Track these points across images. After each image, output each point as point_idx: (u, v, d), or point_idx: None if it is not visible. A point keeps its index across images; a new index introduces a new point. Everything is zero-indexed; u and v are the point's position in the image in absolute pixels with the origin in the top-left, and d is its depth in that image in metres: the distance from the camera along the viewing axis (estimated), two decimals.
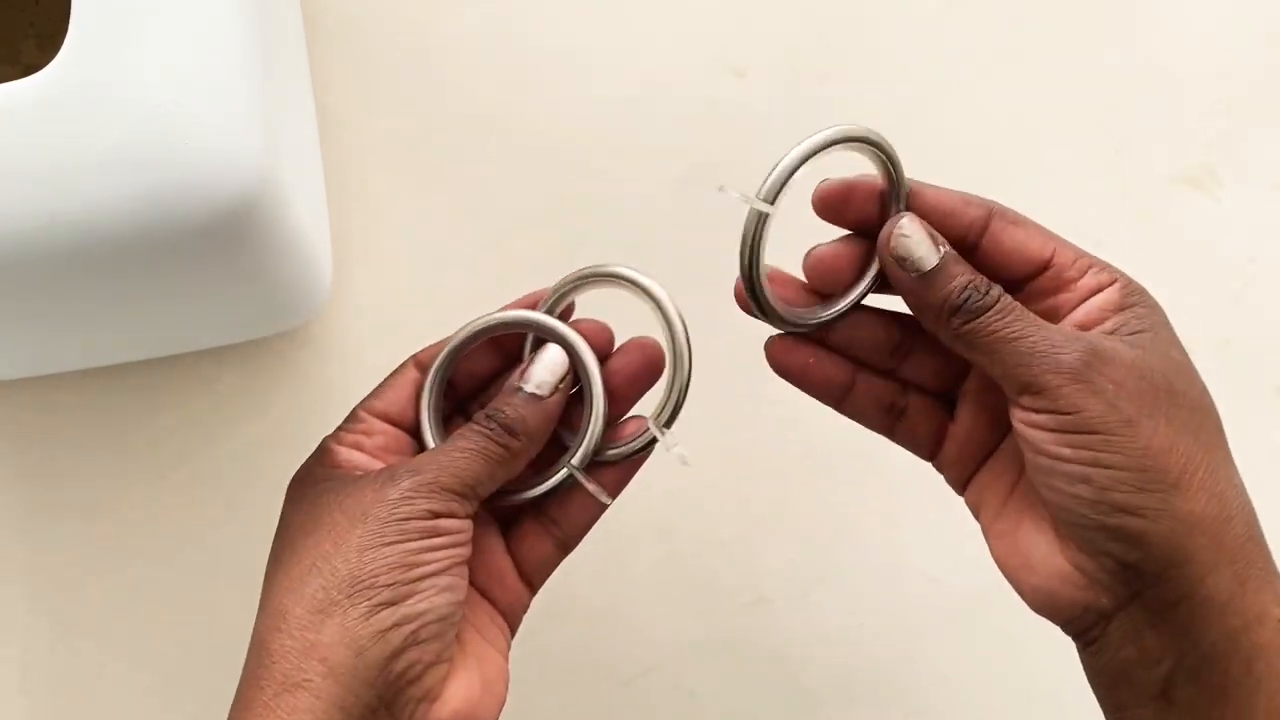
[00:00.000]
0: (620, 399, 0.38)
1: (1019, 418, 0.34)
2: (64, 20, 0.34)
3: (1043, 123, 0.56)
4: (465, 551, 0.35)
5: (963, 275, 0.34)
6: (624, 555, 0.52)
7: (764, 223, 0.37)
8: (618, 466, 0.39)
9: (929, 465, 0.53)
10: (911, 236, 0.35)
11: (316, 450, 0.38)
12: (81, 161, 0.34)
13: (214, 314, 0.45)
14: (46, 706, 0.49)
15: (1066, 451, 0.33)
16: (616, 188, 0.54)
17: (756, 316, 0.37)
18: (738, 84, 0.55)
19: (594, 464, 0.38)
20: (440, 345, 0.39)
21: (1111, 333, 0.34)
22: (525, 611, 0.40)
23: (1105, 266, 0.36)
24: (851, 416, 0.39)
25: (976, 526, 0.52)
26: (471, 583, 0.37)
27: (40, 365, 0.48)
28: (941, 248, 0.35)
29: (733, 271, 0.53)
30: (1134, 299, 0.35)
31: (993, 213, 0.36)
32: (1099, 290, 0.35)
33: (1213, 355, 0.54)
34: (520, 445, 0.37)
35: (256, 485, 0.51)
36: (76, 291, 0.39)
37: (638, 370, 0.38)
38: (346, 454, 0.37)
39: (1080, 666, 0.35)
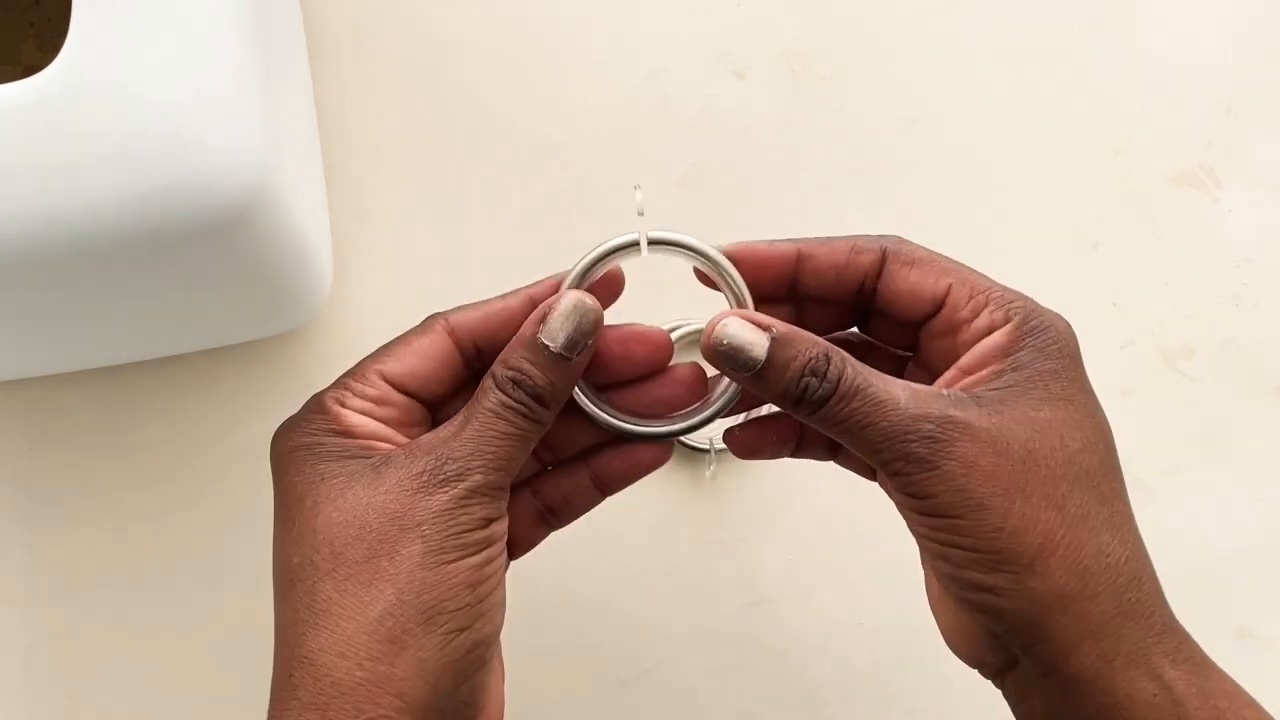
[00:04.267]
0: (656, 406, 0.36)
1: (886, 490, 0.34)
2: (64, 21, 0.34)
3: (1043, 123, 0.56)
4: (505, 551, 0.33)
5: (796, 362, 0.32)
6: (624, 555, 0.52)
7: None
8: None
9: None
10: (730, 339, 0.33)
11: (313, 407, 0.34)
12: (81, 162, 0.34)
13: (214, 314, 0.45)
14: (47, 706, 0.49)
15: (924, 530, 0.32)
16: (616, 188, 0.54)
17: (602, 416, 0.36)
18: (738, 84, 0.55)
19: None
20: (470, 309, 0.35)
21: (988, 384, 0.32)
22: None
23: (1004, 303, 0.34)
24: (802, 457, 0.38)
25: None
26: None
27: (40, 365, 0.48)
28: (769, 334, 0.33)
29: None
30: (1024, 342, 0.33)
31: (887, 254, 0.34)
32: (990, 331, 0.33)
33: (1213, 355, 0.55)
34: (549, 417, 0.33)
35: (257, 485, 0.51)
36: (77, 292, 0.39)
37: (675, 401, 0.36)
38: (357, 421, 0.34)
39: None
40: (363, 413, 0.34)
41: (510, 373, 0.33)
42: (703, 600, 0.51)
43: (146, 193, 0.34)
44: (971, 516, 0.31)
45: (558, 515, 0.37)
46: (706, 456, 0.51)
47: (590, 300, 0.34)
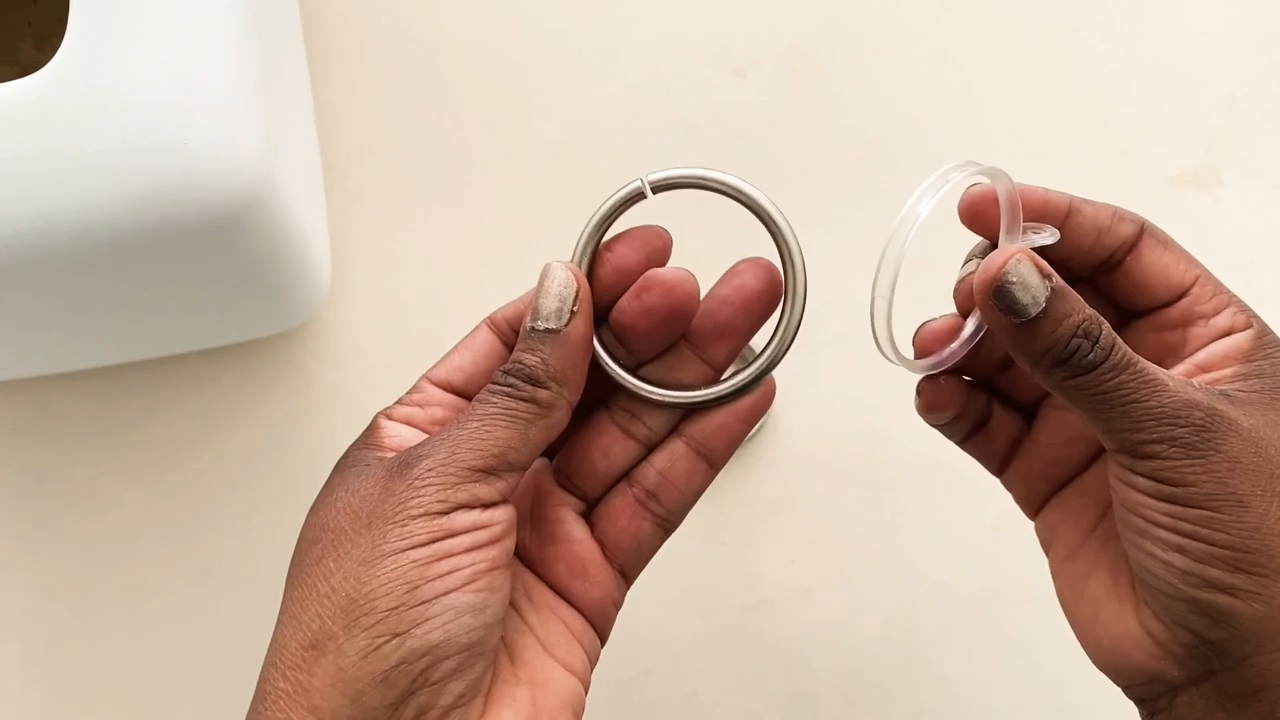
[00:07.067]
0: (731, 332, 0.34)
1: (1117, 474, 0.31)
2: (62, 20, 0.34)
3: (1043, 122, 0.56)
4: (500, 551, 0.29)
5: (1070, 320, 0.30)
6: None
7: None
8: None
9: (930, 466, 0.53)
10: (1019, 282, 0.30)
11: (367, 428, 0.32)
12: (79, 162, 0.34)
13: (213, 314, 0.45)
14: (47, 706, 0.49)
15: (1165, 519, 0.30)
16: (617, 188, 0.54)
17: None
18: (738, 84, 0.55)
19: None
20: (512, 303, 0.34)
21: (1231, 384, 0.31)
22: (618, 609, 0.34)
23: (1244, 308, 0.33)
24: (971, 452, 0.36)
25: (977, 529, 0.52)
26: (542, 579, 0.33)
27: (40, 365, 0.48)
28: (1049, 283, 0.30)
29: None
30: (1266, 350, 0.32)
31: (1144, 230, 0.33)
32: (1231, 332, 0.32)
33: None
34: (552, 394, 0.31)
35: (255, 485, 0.51)
36: (75, 291, 0.39)
37: (754, 297, 0.34)
38: (393, 429, 0.32)
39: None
40: (404, 420, 0.32)
41: (506, 365, 0.32)
42: (702, 601, 0.51)
43: (144, 192, 0.34)
44: (1230, 512, 0.29)
45: (660, 500, 0.34)
46: None
47: (555, 264, 0.32)
